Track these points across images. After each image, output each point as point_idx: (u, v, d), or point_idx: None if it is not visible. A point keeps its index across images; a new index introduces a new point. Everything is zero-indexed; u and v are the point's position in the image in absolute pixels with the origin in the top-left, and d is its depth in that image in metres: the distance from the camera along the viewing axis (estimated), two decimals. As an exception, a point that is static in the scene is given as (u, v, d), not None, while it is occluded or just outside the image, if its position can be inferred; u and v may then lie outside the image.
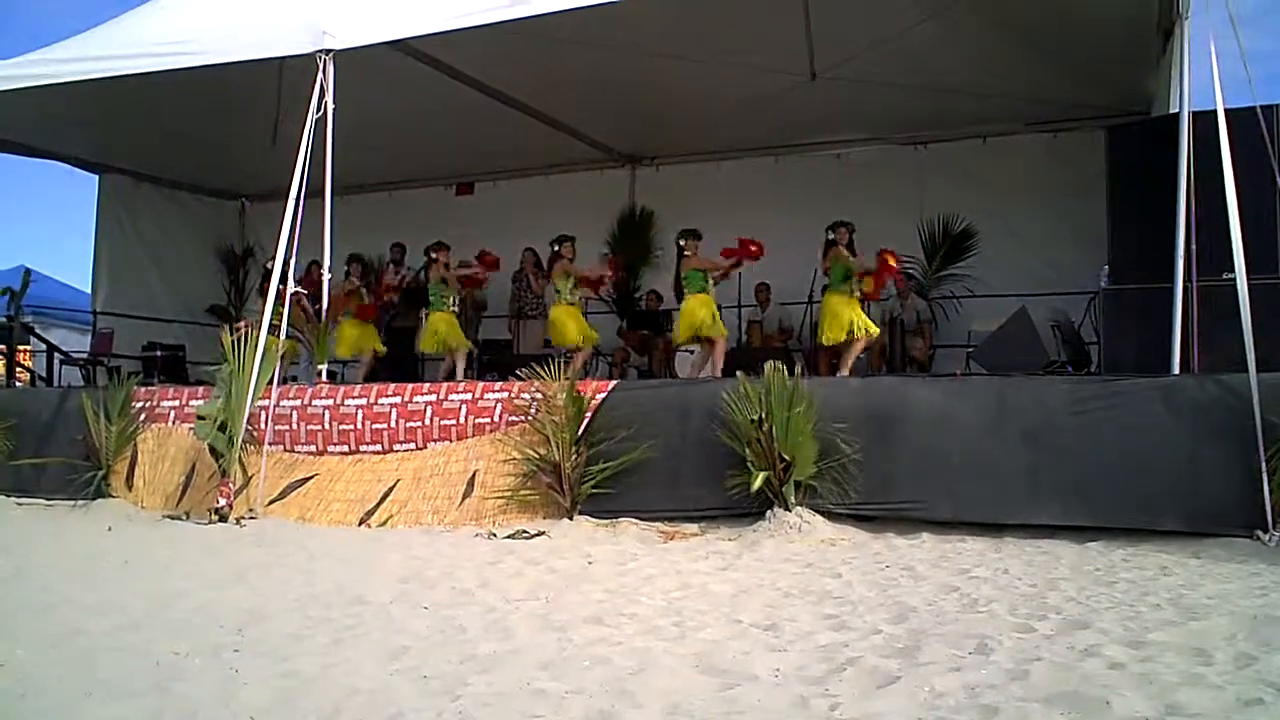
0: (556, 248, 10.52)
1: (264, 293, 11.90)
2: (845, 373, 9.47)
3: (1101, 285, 8.20)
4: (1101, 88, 10.56)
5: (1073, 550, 6.41)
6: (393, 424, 8.72)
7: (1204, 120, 7.16)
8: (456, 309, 11.04)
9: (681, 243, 9.99)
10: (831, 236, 9.75)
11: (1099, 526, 6.75)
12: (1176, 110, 7.67)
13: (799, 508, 7.21)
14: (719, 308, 9.99)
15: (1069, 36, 9.43)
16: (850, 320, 9.50)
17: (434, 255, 10.88)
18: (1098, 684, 3.50)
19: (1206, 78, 7.16)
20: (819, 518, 7.19)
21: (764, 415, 7.17)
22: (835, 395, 7.61)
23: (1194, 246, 7.14)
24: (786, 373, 7.38)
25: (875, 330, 9.77)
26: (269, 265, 12.19)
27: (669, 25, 9.47)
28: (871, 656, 3.96)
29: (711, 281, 9.89)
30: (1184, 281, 7.14)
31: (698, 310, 9.70)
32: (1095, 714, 3.21)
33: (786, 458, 7.14)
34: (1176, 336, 7.10)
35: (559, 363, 8.29)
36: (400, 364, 12.23)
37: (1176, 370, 7.08)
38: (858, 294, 9.70)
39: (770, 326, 12.36)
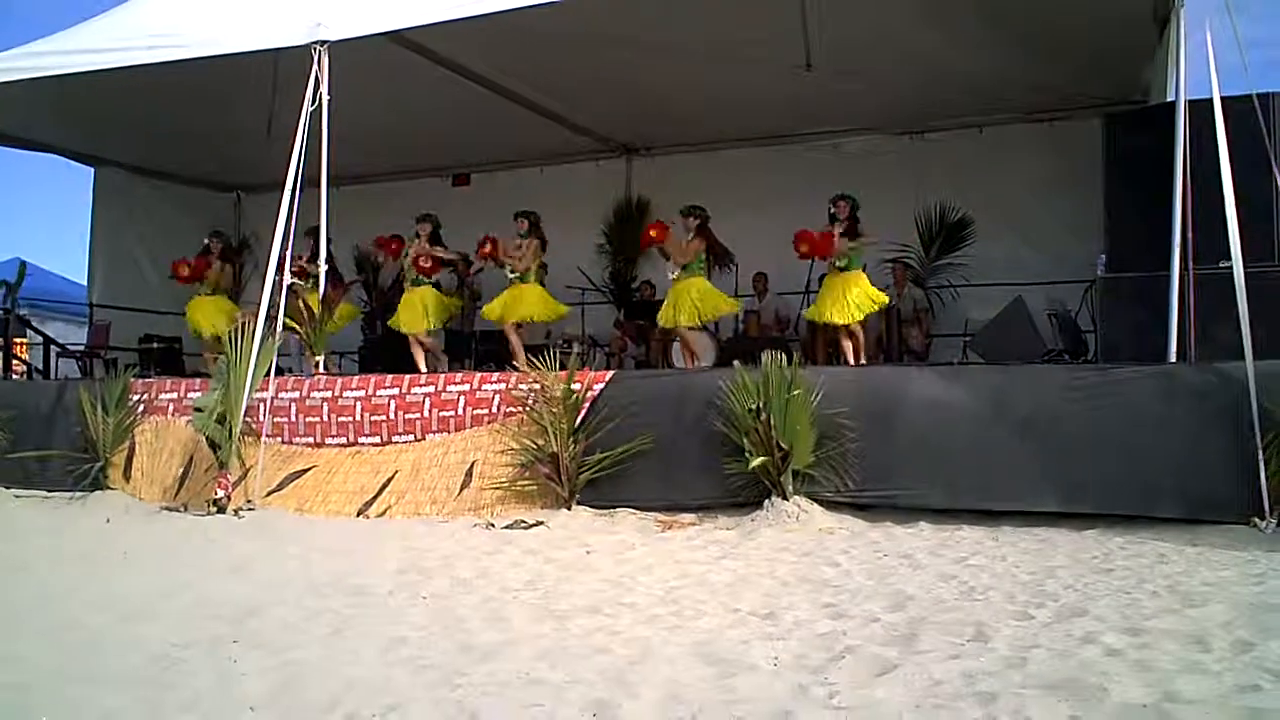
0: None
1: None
2: (853, 360, 9.42)
3: (1098, 273, 8.20)
4: (1098, 77, 10.55)
5: (1070, 538, 6.42)
6: (391, 415, 8.71)
7: (1200, 108, 7.15)
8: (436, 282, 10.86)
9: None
10: (832, 210, 9.67)
11: (1096, 514, 6.76)
12: (1173, 99, 7.66)
13: (797, 496, 7.22)
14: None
15: (1066, 25, 9.40)
16: (865, 297, 9.45)
17: (416, 231, 10.78)
18: (1095, 671, 3.51)
19: (1203, 66, 7.16)
20: (817, 506, 7.20)
21: (762, 404, 7.17)
22: (833, 385, 7.60)
23: (1190, 234, 7.14)
24: (784, 362, 7.39)
25: (883, 298, 9.70)
26: (207, 241, 12.08)
27: (665, 15, 9.45)
28: (870, 645, 3.97)
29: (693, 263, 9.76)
30: (1180, 269, 7.14)
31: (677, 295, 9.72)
32: (1093, 701, 3.22)
33: (784, 447, 7.14)
34: (1173, 324, 7.10)
35: (556, 354, 8.28)
36: (398, 356, 12.20)
37: (1173, 358, 7.08)
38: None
39: (767, 316, 12.35)
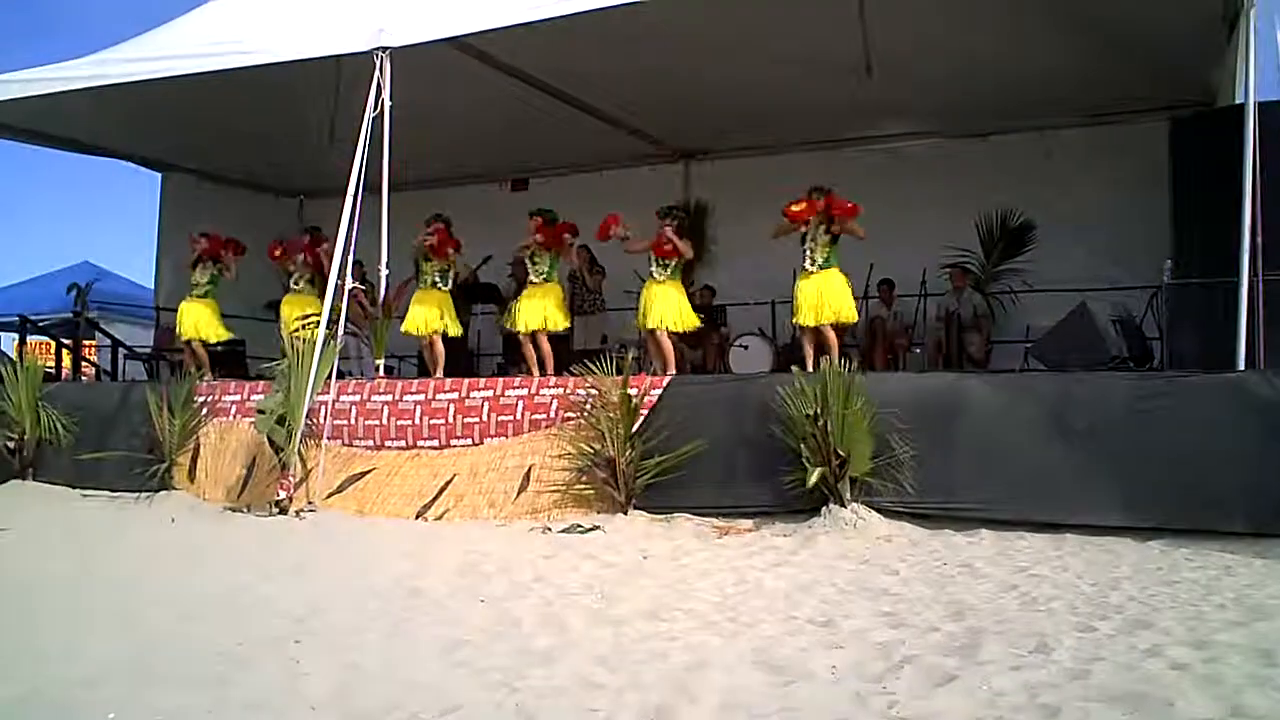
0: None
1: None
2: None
3: (1164, 280, 8.06)
4: (1164, 79, 10.38)
5: (1134, 549, 6.32)
6: (450, 419, 8.78)
7: (1270, 111, 7.03)
8: (446, 287, 10.40)
9: None
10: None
11: (1162, 527, 6.64)
12: (1241, 101, 7.52)
13: (855, 504, 7.17)
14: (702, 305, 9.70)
15: (1131, 27, 9.26)
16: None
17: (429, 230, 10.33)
18: (1160, 685, 3.46)
19: (1272, 67, 7.04)
20: (875, 514, 7.15)
21: (819, 411, 7.13)
22: (892, 391, 7.55)
23: (1259, 240, 6.99)
24: (842, 368, 7.34)
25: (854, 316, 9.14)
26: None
27: (724, 19, 9.43)
28: (930, 654, 3.94)
29: (655, 265, 9.39)
30: (1249, 276, 6.99)
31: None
32: (1158, 715, 3.18)
33: (842, 454, 7.10)
34: (1242, 332, 6.96)
35: (613, 358, 8.28)
36: (455, 360, 12.30)
37: (1242, 366, 6.94)
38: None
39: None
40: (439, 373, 9.98)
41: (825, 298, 8.88)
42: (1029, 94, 10.86)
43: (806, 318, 8.93)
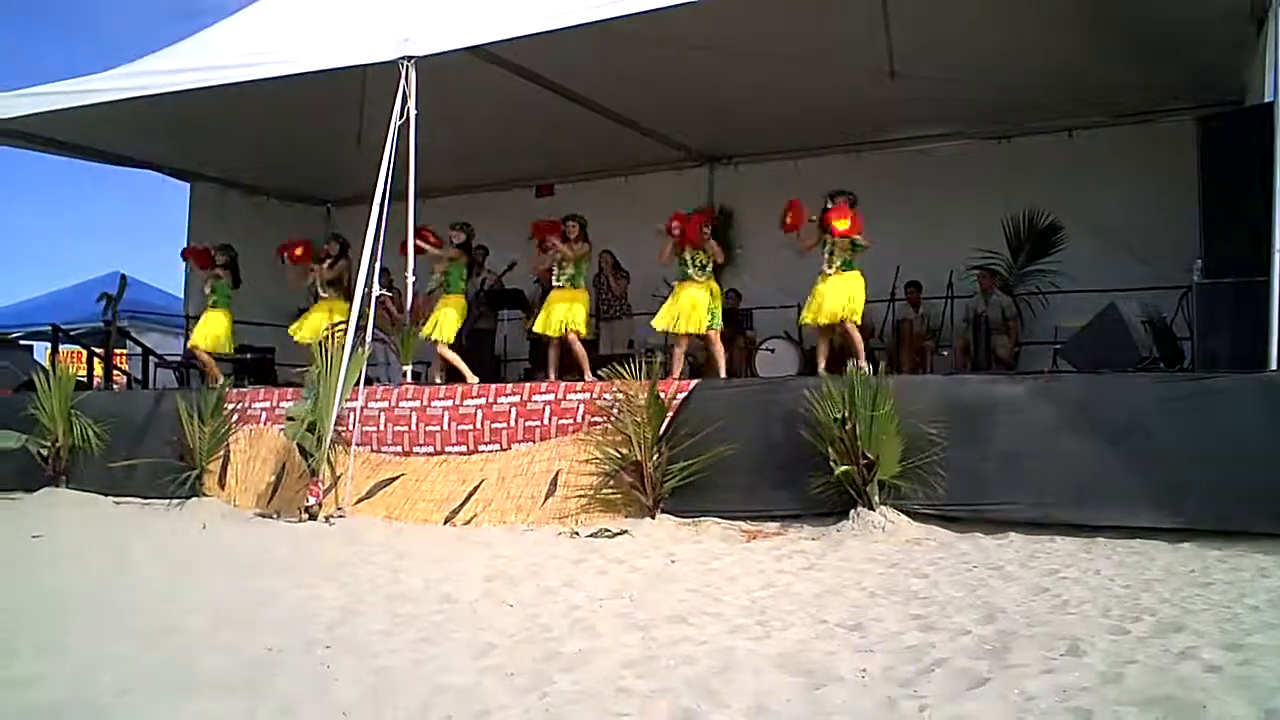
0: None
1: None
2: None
3: (1194, 280, 7.99)
4: (1192, 77, 10.30)
5: (1166, 551, 6.27)
6: (478, 425, 8.82)
7: (1301, 108, 6.95)
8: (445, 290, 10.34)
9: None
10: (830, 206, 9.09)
11: (1193, 529, 6.59)
12: (1270, 99, 7.45)
13: (883, 507, 7.16)
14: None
15: (1158, 26, 9.20)
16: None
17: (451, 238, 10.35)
18: (1194, 687, 3.43)
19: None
20: (903, 517, 7.13)
21: (847, 414, 7.12)
22: (920, 394, 7.53)
23: (1291, 239, 6.93)
24: (870, 370, 7.32)
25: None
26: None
27: (747, 24, 9.44)
28: (960, 658, 3.92)
29: (694, 267, 9.40)
30: (1280, 275, 6.93)
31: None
32: (1192, 718, 3.14)
33: (870, 457, 7.08)
34: (1274, 331, 6.89)
35: (641, 363, 8.28)
36: (482, 366, 12.34)
37: (1273, 366, 6.88)
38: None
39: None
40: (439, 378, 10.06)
41: (830, 299, 8.92)
42: (1055, 94, 10.80)
43: (809, 315, 9.04)
